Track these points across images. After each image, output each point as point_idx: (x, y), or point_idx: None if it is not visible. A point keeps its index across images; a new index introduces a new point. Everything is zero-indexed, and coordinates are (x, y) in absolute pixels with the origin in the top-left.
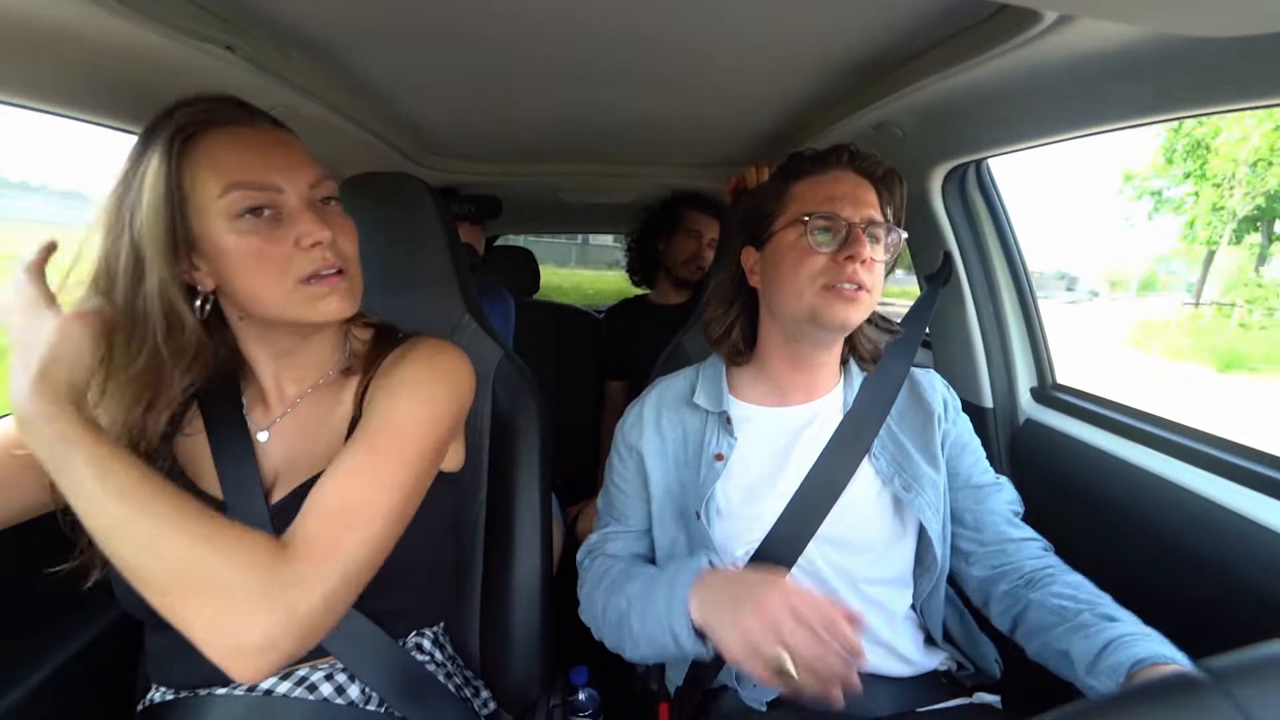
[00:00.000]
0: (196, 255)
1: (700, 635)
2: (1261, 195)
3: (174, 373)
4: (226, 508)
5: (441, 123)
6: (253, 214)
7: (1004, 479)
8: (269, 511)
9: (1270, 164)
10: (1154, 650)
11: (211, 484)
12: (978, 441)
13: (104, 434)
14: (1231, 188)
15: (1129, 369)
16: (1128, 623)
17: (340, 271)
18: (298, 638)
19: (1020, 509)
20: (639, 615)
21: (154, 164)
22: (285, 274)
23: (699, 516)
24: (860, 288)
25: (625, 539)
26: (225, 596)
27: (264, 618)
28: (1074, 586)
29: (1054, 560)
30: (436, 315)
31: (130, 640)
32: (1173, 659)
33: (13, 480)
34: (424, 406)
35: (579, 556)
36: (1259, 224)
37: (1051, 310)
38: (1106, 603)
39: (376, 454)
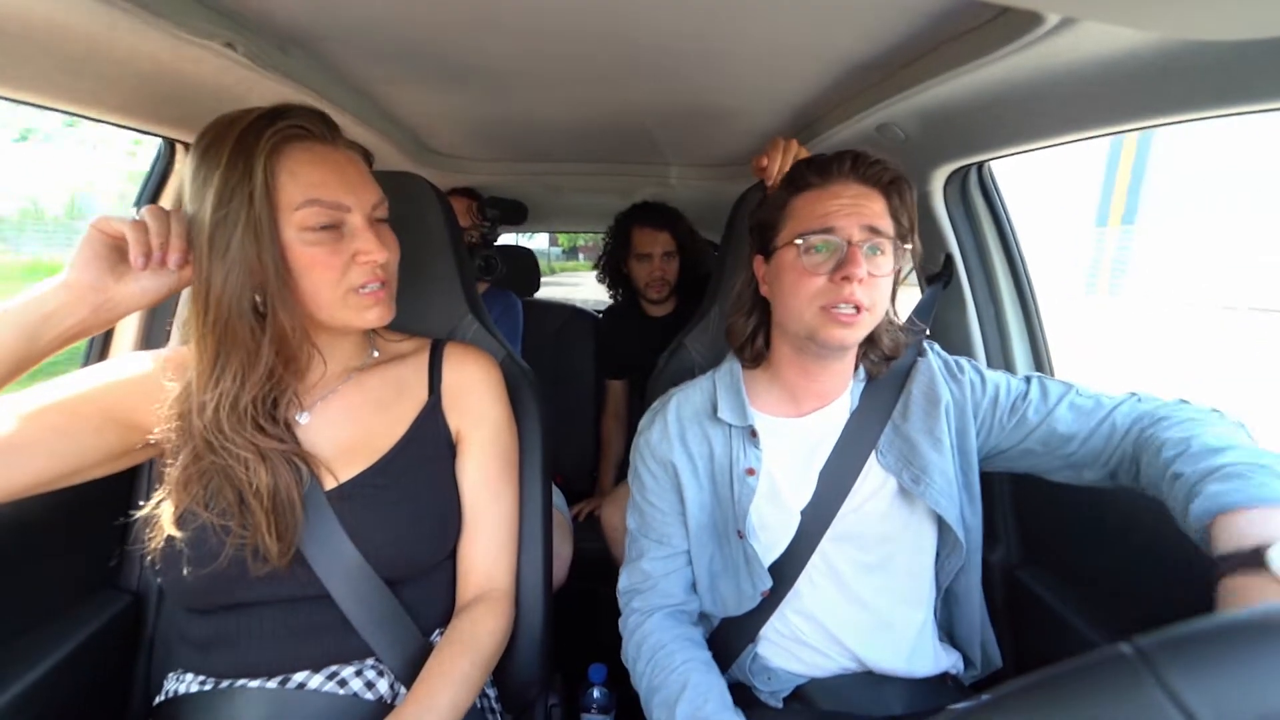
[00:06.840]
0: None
1: None
2: None
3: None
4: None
5: (442, 122)
6: (323, 228)
7: (1033, 377)
8: (326, 497)
9: None
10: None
11: None
12: (998, 382)
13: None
14: None
15: None
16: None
17: (383, 284)
18: None
19: (1082, 389)
20: None
21: (249, 164)
22: (339, 283)
23: (741, 536)
24: (858, 309)
25: (675, 575)
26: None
27: None
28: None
29: (1148, 417)
30: (439, 314)
31: (130, 636)
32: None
33: (25, 444)
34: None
35: (621, 586)
36: None
37: None
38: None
39: (510, 471)
